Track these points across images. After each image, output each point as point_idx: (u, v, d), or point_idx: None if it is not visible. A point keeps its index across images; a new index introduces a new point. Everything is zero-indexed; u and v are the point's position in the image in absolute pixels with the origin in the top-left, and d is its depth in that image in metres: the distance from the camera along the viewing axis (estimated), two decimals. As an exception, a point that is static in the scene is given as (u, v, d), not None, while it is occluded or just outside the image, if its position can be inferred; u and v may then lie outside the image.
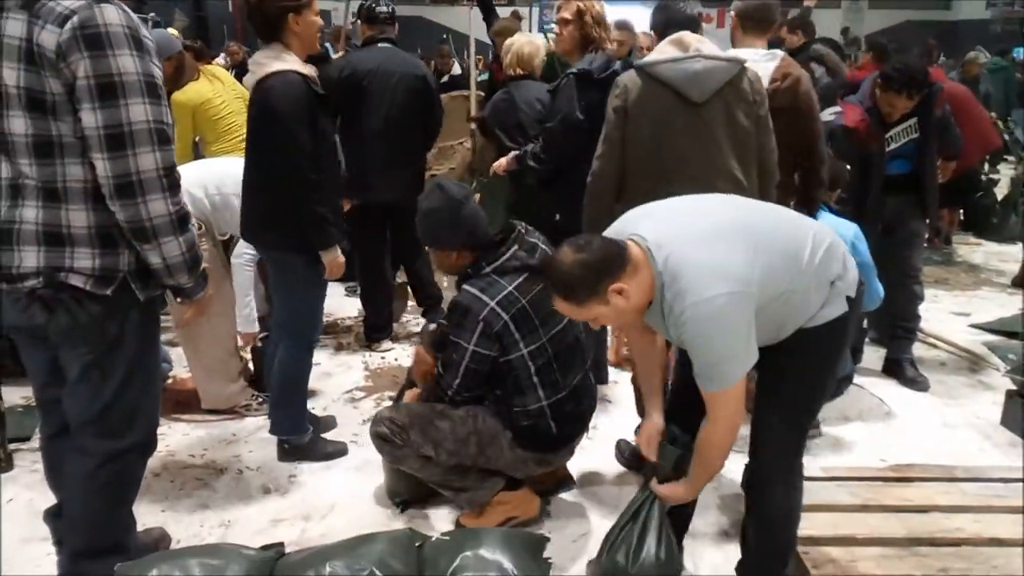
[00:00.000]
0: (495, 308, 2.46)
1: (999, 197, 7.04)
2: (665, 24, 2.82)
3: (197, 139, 4.42)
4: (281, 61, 2.73)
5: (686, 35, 2.68)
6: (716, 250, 1.83)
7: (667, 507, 2.14)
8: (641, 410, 3.06)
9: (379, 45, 4.05)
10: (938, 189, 3.86)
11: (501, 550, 1.84)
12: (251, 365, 3.75)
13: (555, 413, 2.58)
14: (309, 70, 2.79)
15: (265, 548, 1.94)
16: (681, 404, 2.18)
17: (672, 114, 2.65)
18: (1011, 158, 7.56)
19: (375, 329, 4.36)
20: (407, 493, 2.83)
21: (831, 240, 2.01)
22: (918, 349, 4.16)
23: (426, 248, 2.69)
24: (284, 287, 2.97)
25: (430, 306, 4.51)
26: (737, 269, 1.81)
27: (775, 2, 3.19)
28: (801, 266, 1.91)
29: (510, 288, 2.49)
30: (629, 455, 3.12)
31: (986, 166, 6.99)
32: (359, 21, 4.07)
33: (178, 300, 2.13)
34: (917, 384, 3.90)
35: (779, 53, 3.02)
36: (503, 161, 3.77)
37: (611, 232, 2.02)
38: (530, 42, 3.85)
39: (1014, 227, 6.68)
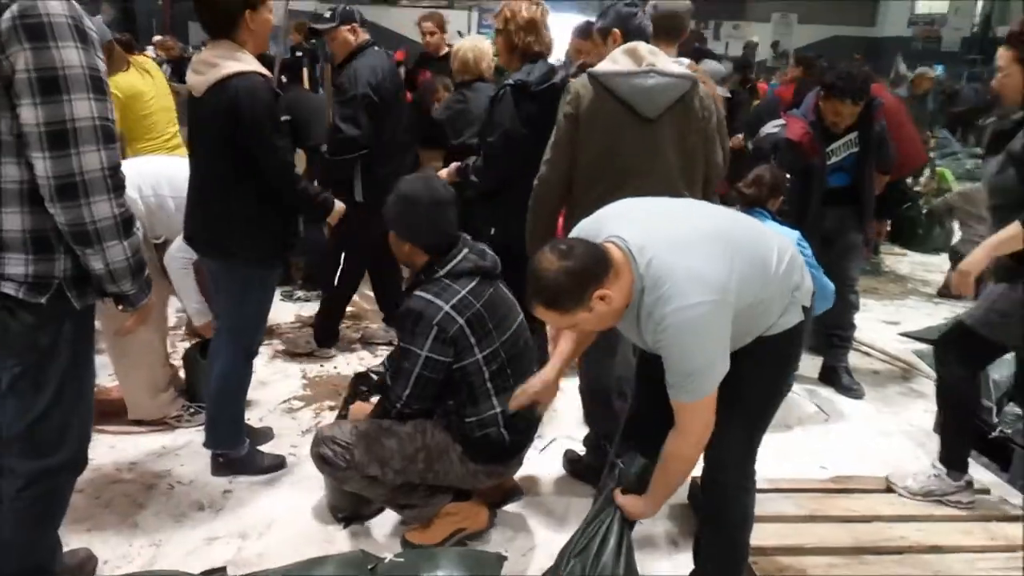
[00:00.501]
0: (449, 312, 2.39)
1: (923, 209, 7.30)
2: (624, 30, 2.78)
3: (120, 134, 4.22)
4: (238, 61, 2.61)
5: (640, 46, 2.66)
6: (697, 257, 1.82)
7: (627, 521, 2.10)
8: (590, 420, 3.05)
9: (375, 49, 3.91)
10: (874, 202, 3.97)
11: (458, 571, 1.78)
12: (182, 374, 3.59)
13: (507, 420, 2.52)
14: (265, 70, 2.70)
15: (207, 574, 1.82)
16: (641, 429, 2.16)
17: (623, 127, 2.62)
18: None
19: (329, 336, 4.27)
20: (349, 508, 2.73)
21: (792, 250, 2.03)
22: (852, 357, 4.24)
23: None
24: (234, 296, 2.84)
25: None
26: (717, 277, 1.80)
27: (686, 12, 3.24)
28: (769, 275, 1.92)
29: (463, 292, 2.43)
30: (577, 464, 3.08)
31: (909, 179, 7.24)
32: (347, 24, 3.88)
33: (119, 308, 2.00)
34: (853, 392, 4.00)
35: (685, 61, 3.05)
36: (443, 173, 3.69)
37: (584, 233, 1.98)
38: (474, 47, 3.79)
39: (938, 238, 6.94)
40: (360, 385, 2.98)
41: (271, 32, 2.81)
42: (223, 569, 1.86)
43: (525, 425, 2.62)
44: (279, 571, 1.82)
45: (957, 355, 2.78)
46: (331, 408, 3.62)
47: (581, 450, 3.11)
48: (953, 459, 2.82)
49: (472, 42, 3.85)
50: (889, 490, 2.87)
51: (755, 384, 2.03)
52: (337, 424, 2.64)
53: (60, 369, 1.87)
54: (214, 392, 2.92)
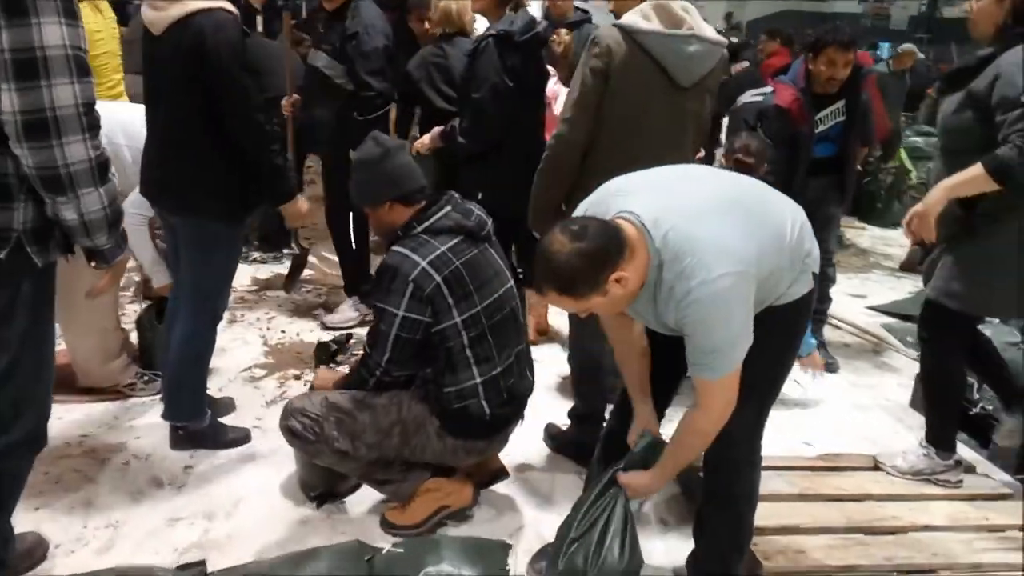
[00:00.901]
0: (426, 268, 2.24)
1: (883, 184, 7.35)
2: None
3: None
4: None
5: (673, 3, 2.43)
6: (717, 227, 1.70)
7: (631, 503, 1.99)
8: (579, 395, 2.93)
9: None
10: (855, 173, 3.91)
11: (465, 563, 1.64)
12: (134, 338, 3.35)
13: (488, 392, 2.38)
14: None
15: (183, 568, 1.65)
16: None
17: (655, 94, 2.44)
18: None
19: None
20: (322, 485, 2.56)
21: (802, 217, 1.94)
22: (824, 331, 4.21)
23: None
24: (199, 257, 2.62)
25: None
26: (740, 247, 1.68)
27: None
28: (784, 244, 1.81)
29: (442, 249, 2.28)
30: (559, 439, 2.96)
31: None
32: None
33: (92, 265, 1.79)
34: (828, 366, 3.94)
35: None
36: (426, 139, 3.48)
37: (588, 210, 1.83)
38: (457, -2, 3.56)
39: (897, 213, 6.98)
40: (322, 355, 2.84)
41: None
42: (202, 563, 1.68)
43: (509, 398, 2.48)
44: (265, 564, 1.65)
45: (935, 332, 2.72)
46: (296, 377, 3.44)
47: (562, 424, 2.99)
48: (940, 438, 2.77)
49: (454, -8, 3.60)
50: (876, 468, 2.83)
51: (763, 355, 1.91)
52: (307, 395, 2.47)
53: (18, 333, 1.67)
54: (175, 360, 2.70)
